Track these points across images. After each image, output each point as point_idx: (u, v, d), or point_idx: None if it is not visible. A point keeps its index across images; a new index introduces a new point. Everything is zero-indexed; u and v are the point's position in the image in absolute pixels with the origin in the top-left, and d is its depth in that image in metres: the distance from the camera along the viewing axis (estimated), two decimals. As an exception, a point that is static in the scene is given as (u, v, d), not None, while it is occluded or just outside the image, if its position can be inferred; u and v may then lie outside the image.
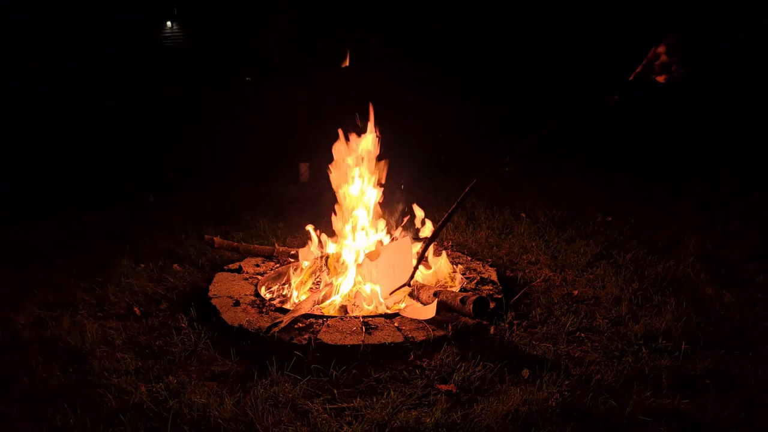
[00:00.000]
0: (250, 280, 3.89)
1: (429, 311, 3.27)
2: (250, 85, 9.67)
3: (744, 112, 8.50)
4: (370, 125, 3.86)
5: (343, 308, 3.56)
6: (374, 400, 2.65)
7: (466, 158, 7.99)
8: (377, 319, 3.27)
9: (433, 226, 4.02)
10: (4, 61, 7.07)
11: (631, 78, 2.77)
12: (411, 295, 3.63)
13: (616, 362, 2.92)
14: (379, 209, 4.01)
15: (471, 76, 9.81)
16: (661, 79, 2.70)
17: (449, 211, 3.51)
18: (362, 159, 3.91)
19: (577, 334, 3.24)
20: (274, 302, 3.64)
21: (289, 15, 7.55)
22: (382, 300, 3.54)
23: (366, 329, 3.13)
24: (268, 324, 3.14)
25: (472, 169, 7.31)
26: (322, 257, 3.90)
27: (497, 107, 9.75)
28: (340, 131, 3.87)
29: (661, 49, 2.68)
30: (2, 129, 7.04)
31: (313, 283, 3.87)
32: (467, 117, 9.52)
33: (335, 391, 2.71)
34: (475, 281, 3.83)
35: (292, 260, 4.14)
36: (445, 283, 3.95)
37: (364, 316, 3.30)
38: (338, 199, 3.98)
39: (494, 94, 9.98)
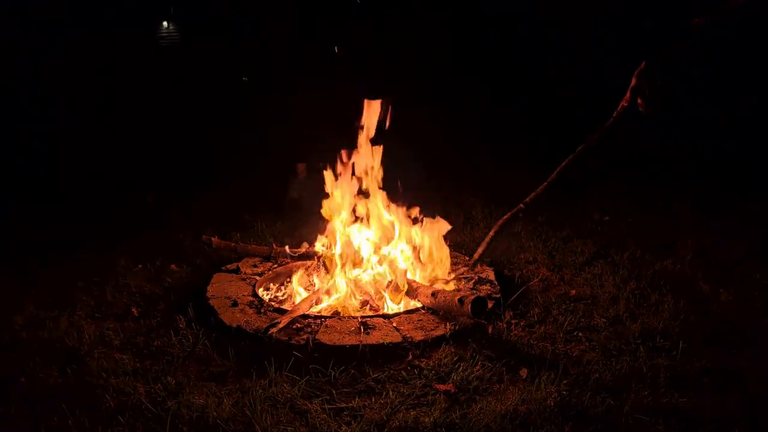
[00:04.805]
0: (248, 281, 3.88)
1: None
2: (248, 84, 9.66)
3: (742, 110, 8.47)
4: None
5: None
6: (373, 400, 2.65)
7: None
8: (375, 319, 3.27)
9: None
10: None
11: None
12: (408, 294, 3.63)
13: (614, 361, 2.93)
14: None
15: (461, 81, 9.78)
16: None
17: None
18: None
19: (575, 333, 3.25)
20: (273, 303, 3.63)
21: (290, 17, 7.55)
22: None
23: (364, 329, 3.13)
24: (267, 324, 3.13)
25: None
26: (319, 257, 3.90)
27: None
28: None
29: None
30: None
31: (311, 284, 3.87)
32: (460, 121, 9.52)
33: (334, 392, 2.71)
34: (473, 281, 3.83)
35: (290, 260, 4.14)
36: (443, 282, 3.94)
37: (362, 316, 3.30)
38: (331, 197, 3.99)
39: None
